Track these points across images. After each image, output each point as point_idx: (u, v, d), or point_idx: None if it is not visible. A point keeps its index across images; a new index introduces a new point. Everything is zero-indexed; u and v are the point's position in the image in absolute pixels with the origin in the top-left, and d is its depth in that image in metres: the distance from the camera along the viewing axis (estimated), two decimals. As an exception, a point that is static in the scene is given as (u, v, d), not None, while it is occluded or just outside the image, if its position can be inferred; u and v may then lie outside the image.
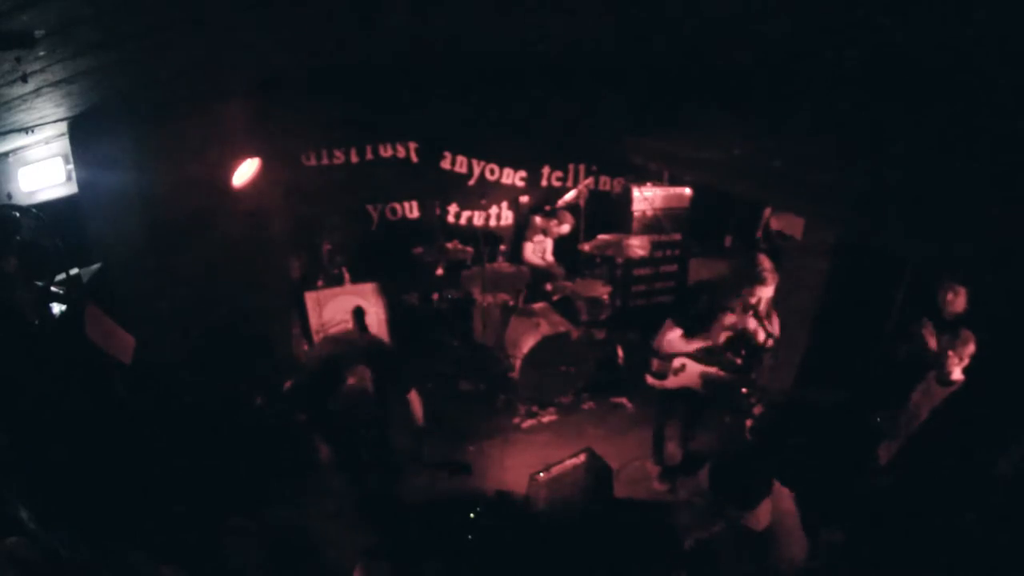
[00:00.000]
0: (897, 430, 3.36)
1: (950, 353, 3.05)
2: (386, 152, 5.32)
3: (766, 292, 3.15)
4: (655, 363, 3.61)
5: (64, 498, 2.45)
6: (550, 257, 5.69)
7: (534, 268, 5.46)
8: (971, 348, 3.03)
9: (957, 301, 3.47)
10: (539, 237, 5.56)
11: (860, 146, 2.99)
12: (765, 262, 3.14)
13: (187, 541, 3.02)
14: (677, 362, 3.62)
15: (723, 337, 3.46)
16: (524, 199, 5.86)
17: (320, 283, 5.01)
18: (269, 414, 3.97)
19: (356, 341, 3.63)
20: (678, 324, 3.38)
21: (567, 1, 2.37)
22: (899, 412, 3.40)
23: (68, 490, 2.53)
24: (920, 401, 3.25)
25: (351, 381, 3.21)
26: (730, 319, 3.37)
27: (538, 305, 5.02)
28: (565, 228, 5.46)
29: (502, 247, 5.75)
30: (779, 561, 2.20)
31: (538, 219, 5.52)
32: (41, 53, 1.92)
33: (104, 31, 1.96)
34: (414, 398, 3.63)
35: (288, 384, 3.64)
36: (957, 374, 3.09)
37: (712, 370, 3.45)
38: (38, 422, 2.57)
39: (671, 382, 3.60)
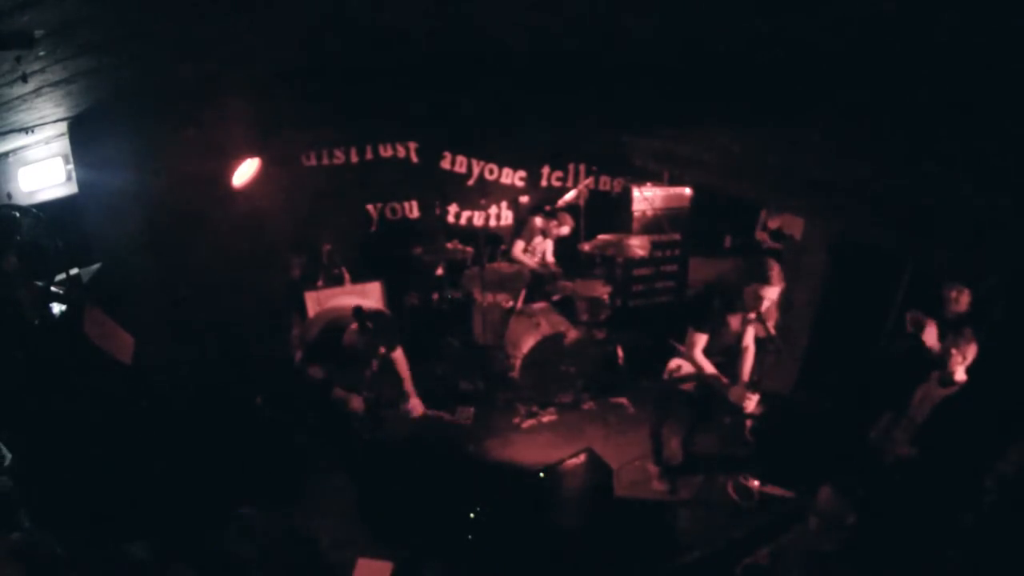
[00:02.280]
0: (900, 431, 3.36)
1: (953, 351, 3.05)
2: (386, 152, 5.32)
3: (772, 294, 3.14)
4: (679, 367, 3.60)
5: (64, 496, 2.46)
6: (551, 258, 5.68)
7: (532, 269, 5.45)
8: (974, 347, 3.03)
9: (961, 301, 3.47)
10: (538, 239, 5.55)
11: (859, 145, 2.99)
12: (773, 264, 3.13)
13: (187, 539, 3.02)
14: (673, 363, 3.62)
15: (728, 339, 3.45)
16: (524, 199, 5.86)
17: (320, 283, 5.00)
18: (268, 412, 3.98)
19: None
20: (700, 330, 3.33)
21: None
22: (899, 414, 3.40)
23: (68, 488, 2.53)
24: (922, 401, 3.26)
25: (354, 327, 3.30)
26: (735, 321, 3.36)
27: (538, 305, 5.02)
28: (565, 230, 5.45)
29: (502, 247, 5.75)
30: None
31: (538, 220, 5.50)
32: (41, 53, 1.92)
33: (104, 31, 1.96)
34: (399, 355, 3.71)
35: (299, 354, 3.67)
36: (960, 374, 3.09)
37: (711, 372, 3.43)
38: (38, 421, 2.58)
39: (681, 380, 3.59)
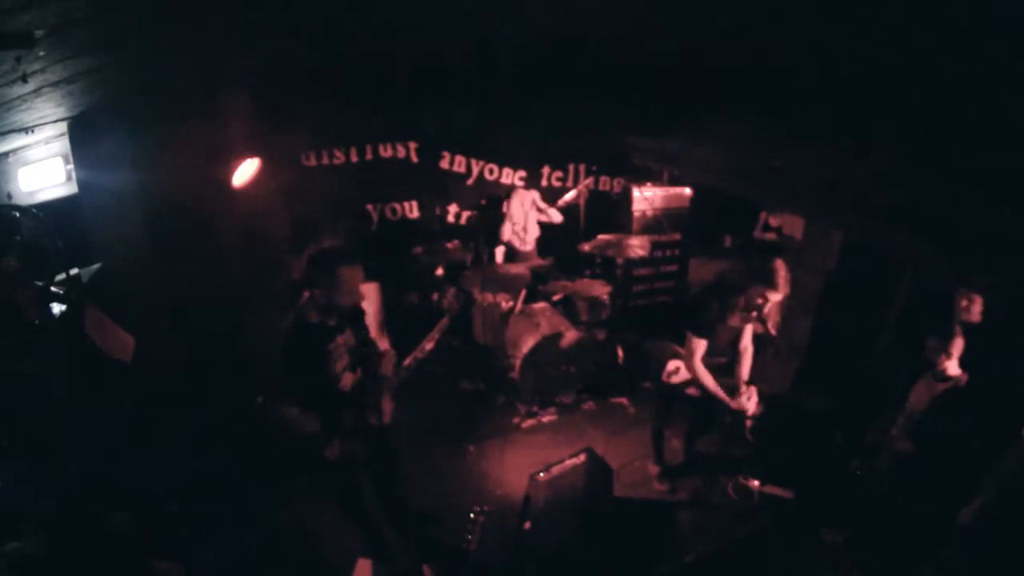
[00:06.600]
0: (898, 427, 3.36)
1: (941, 355, 3.06)
2: (386, 152, 5.32)
3: (777, 298, 3.11)
4: (677, 368, 3.57)
5: (62, 497, 2.45)
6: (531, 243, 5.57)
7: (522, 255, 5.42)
8: (960, 342, 3.03)
9: (973, 310, 3.41)
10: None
11: (860, 146, 2.99)
12: (781, 268, 3.10)
13: (186, 539, 3.02)
14: (671, 365, 3.61)
15: (727, 340, 3.44)
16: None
17: (320, 283, 5.00)
18: (268, 412, 3.97)
19: None
20: (699, 335, 3.28)
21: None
22: (897, 409, 3.40)
23: (67, 490, 2.53)
24: (919, 396, 3.25)
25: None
26: (735, 320, 3.34)
27: (538, 305, 5.02)
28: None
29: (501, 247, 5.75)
30: None
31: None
32: (41, 53, 1.92)
33: (104, 31, 1.96)
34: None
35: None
36: (952, 370, 3.08)
37: (709, 383, 3.41)
38: (37, 423, 2.57)
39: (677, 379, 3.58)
